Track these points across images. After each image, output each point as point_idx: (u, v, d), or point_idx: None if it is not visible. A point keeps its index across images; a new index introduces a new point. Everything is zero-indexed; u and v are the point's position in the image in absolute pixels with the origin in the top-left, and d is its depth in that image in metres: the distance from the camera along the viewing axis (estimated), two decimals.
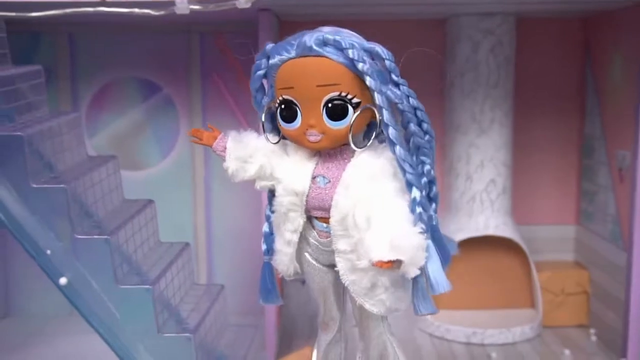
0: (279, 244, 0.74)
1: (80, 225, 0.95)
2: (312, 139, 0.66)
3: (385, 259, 0.62)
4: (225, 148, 0.73)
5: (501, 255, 1.40)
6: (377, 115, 0.66)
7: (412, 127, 0.68)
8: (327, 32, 0.66)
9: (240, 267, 1.43)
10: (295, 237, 0.71)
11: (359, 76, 0.65)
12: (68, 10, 1.04)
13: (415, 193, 0.66)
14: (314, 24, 1.46)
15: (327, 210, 0.68)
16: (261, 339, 1.18)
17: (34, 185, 0.93)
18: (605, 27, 1.33)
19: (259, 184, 0.74)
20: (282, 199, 0.70)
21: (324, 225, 0.69)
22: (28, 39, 1.38)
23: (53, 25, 1.35)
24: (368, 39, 1.48)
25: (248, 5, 1.04)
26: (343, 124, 0.65)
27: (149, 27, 1.37)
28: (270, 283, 0.79)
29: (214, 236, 1.44)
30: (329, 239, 0.70)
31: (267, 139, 0.72)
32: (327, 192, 0.68)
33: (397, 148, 0.66)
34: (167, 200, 1.35)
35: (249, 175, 0.73)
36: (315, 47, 0.64)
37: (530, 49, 1.40)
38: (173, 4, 1.03)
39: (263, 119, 0.72)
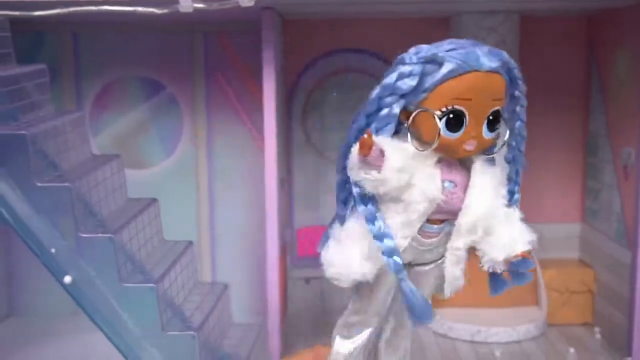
0: (374, 252, 0.70)
1: (84, 224, 0.95)
2: (469, 148, 0.69)
3: (527, 250, 0.73)
4: (380, 156, 0.67)
5: None
6: (512, 125, 0.74)
7: (519, 139, 0.77)
8: (499, 52, 0.70)
9: (243, 265, 1.43)
10: (406, 243, 0.71)
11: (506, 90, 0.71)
12: (71, 9, 1.04)
13: (519, 194, 0.77)
14: (316, 22, 1.47)
15: (454, 212, 0.71)
16: (265, 338, 1.18)
17: (39, 184, 0.93)
18: (610, 24, 1.32)
19: (395, 193, 0.69)
20: (418, 206, 0.69)
21: (435, 226, 0.72)
22: (32, 38, 1.38)
23: (57, 24, 1.35)
24: (371, 37, 1.48)
25: (251, 4, 1.04)
26: (494, 134, 0.71)
27: (152, 26, 1.37)
28: (423, 298, 0.73)
29: (217, 235, 1.44)
30: (433, 239, 0.73)
31: (415, 146, 0.69)
32: (456, 195, 0.71)
33: (518, 153, 0.77)
34: (170, 199, 1.35)
35: (400, 185, 0.68)
36: (500, 68, 0.69)
37: (534, 47, 1.40)
38: (177, 2, 1.03)
39: (383, 123, 0.69)
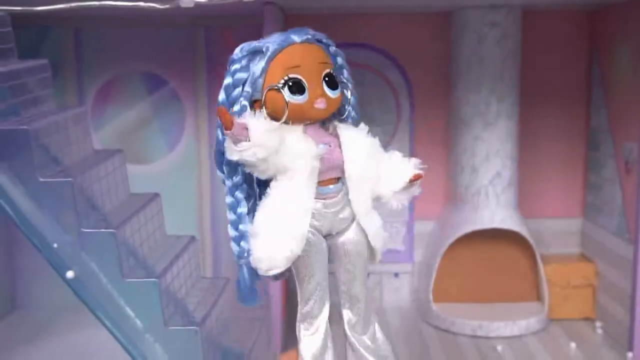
0: (285, 226, 0.76)
1: (87, 219, 0.95)
2: (320, 106, 0.77)
3: (418, 172, 0.79)
4: (244, 127, 0.74)
5: (507, 248, 1.40)
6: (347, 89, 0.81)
7: (353, 100, 0.83)
8: (304, 28, 0.80)
9: None
10: (311, 204, 0.77)
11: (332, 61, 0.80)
12: (73, 4, 1.04)
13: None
14: (319, 17, 1.47)
15: (338, 168, 0.78)
16: (267, 332, 1.18)
17: (41, 179, 0.93)
18: (612, 19, 1.32)
19: (273, 161, 0.75)
20: (304, 166, 0.76)
21: (330, 187, 0.79)
22: (34, 34, 1.38)
23: (59, 19, 1.35)
24: (373, 32, 1.48)
25: None
26: (336, 93, 0.78)
27: (154, 21, 1.37)
28: (251, 283, 0.83)
29: (219, 229, 1.44)
30: (335, 198, 0.79)
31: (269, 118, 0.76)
32: (334, 151, 0.78)
33: (354, 113, 0.82)
34: (172, 194, 1.35)
35: (274, 147, 0.75)
36: (309, 37, 0.78)
37: (537, 41, 1.40)
38: None
39: (244, 108, 0.77)
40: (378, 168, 0.80)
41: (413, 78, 1.42)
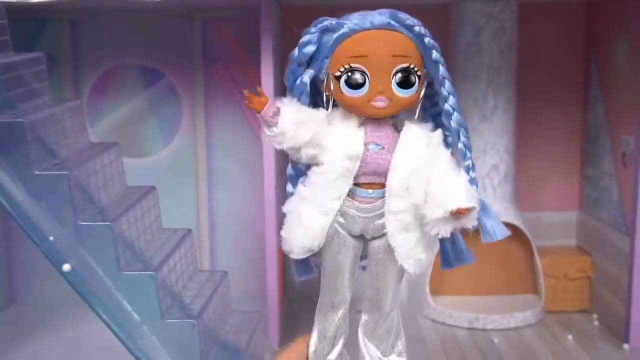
0: (308, 217, 0.73)
1: (83, 212, 0.95)
2: (379, 104, 0.71)
3: (464, 206, 0.68)
4: (277, 113, 0.71)
5: (504, 241, 1.38)
6: (440, 87, 0.73)
7: (452, 99, 0.74)
8: (394, 10, 0.73)
9: (243, 253, 1.44)
10: (337, 205, 0.73)
11: (421, 53, 0.72)
12: None
13: (470, 158, 0.73)
14: (315, 8, 1.46)
15: (382, 174, 0.72)
16: (265, 325, 1.18)
17: (37, 172, 0.92)
18: (610, 12, 1.32)
19: (305, 152, 0.72)
20: (334, 165, 0.72)
21: (370, 191, 0.73)
22: (30, 26, 1.38)
23: (55, 12, 1.34)
24: None
25: None
26: (409, 92, 0.71)
27: (150, 13, 1.36)
28: (303, 261, 0.78)
29: (216, 223, 1.44)
30: (372, 204, 0.73)
31: (325, 107, 0.72)
32: (383, 156, 0.72)
33: (456, 114, 0.73)
34: (170, 188, 1.35)
35: (302, 141, 0.71)
36: (392, 22, 0.71)
37: (534, 35, 1.40)
38: None
39: (298, 93, 0.73)
40: (429, 185, 0.71)
41: None
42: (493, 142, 1.33)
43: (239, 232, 1.44)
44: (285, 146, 0.72)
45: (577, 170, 1.47)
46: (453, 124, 0.73)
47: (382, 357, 0.79)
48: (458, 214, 0.68)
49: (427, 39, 0.72)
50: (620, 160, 1.26)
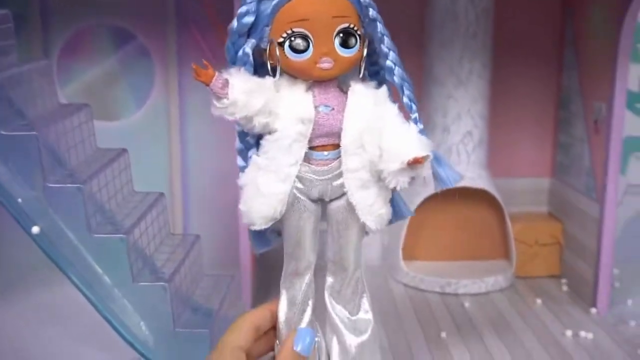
0: (266, 186, 0.74)
1: (53, 174, 0.94)
2: (324, 66, 0.71)
3: (419, 155, 0.71)
4: (225, 85, 0.71)
5: (476, 207, 1.41)
6: (380, 44, 0.74)
7: (392, 55, 0.75)
8: None
9: (216, 217, 1.43)
10: (294, 170, 0.73)
11: (358, 12, 0.73)
12: None
13: (416, 111, 0.75)
14: None
15: (335, 134, 0.73)
16: (237, 288, 1.18)
17: (3, 133, 0.91)
18: None
19: (258, 121, 0.72)
20: (288, 130, 0.72)
21: (325, 153, 0.74)
22: None
23: None
24: None
25: None
26: (352, 52, 0.72)
27: None
28: (258, 231, 0.78)
29: (189, 186, 1.43)
30: (329, 166, 0.74)
31: (271, 75, 0.73)
32: (334, 117, 0.73)
33: (397, 69, 0.75)
34: (142, 151, 1.34)
35: (254, 109, 0.72)
36: None
37: (510, 0, 1.39)
38: None
39: (242, 64, 0.73)
40: (382, 140, 0.72)
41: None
42: (468, 108, 1.33)
43: (212, 196, 1.43)
44: (237, 116, 0.72)
45: (550, 136, 1.48)
46: (396, 79, 0.75)
47: (350, 317, 0.80)
48: (415, 163, 0.71)
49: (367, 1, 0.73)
50: (592, 126, 1.27)
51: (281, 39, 0.71)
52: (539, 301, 1.29)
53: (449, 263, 1.42)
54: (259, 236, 0.80)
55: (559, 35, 1.43)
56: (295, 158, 0.73)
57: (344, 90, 0.75)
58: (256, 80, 0.72)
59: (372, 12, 0.74)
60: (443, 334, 1.16)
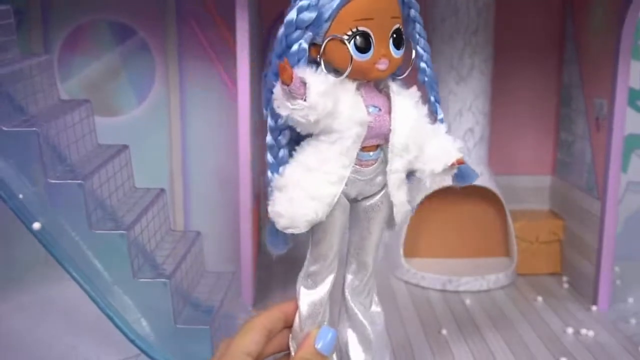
0: (317, 189, 0.72)
1: (53, 170, 0.94)
2: (382, 67, 0.71)
3: (459, 158, 0.75)
4: (302, 85, 0.69)
5: (477, 204, 1.41)
6: (417, 45, 0.75)
7: (426, 56, 0.77)
8: None
9: (217, 214, 1.43)
10: (347, 172, 0.73)
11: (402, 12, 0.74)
12: None
13: (441, 112, 0.79)
14: None
15: (382, 135, 0.74)
16: (238, 285, 1.18)
17: (4, 128, 0.91)
18: None
19: (324, 122, 0.71)
20: (349, 132, 0.72)
21: (371, 153, 0.75)
22: None
23: None
24: None
25: None
26: (401, 53, 0.73)
27: None
28: (277, 231, 0.77)
29: (190, 183, 1.43)
30: (372, 166, 0.75)
31: (333, 75, 0.71)
32: (383, 118, 0.74)
33: (430, 70, 0.77)
34: (143, 147, 1.33)
35: (326, 111, 0.70)
36: None
37: None
38: None
39: (295, 59, 0.70)
40: (422, 143, 0.75)
41: None
42: (469, 104, 1.32)
43: (213, 192, 1.43)
44: (312, 119, 0.69)
45: (552, 133, 1.47)
46: (427, 80, 0.77)
47: (365, 311, 0.83)
48: (458, 164, 0.75)
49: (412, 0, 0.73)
50: (593, 123, 1.27)
51: (346, 37, 0.69)
52: (539, 299, 1.29)
53: (450, 260, 1.42)
54: (277, 238, 0.79)
55: (560, 31, 1.43)
56: (349, 160, 0.73)
57: (380, 90, 0.75)
58: (325, 79, 0.70)
59: (413, 12, 0.74)
60: (444, 331, 1.16)
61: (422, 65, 0.76)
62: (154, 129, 1.41)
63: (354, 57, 0.70)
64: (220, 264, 1.27)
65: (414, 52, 0.75)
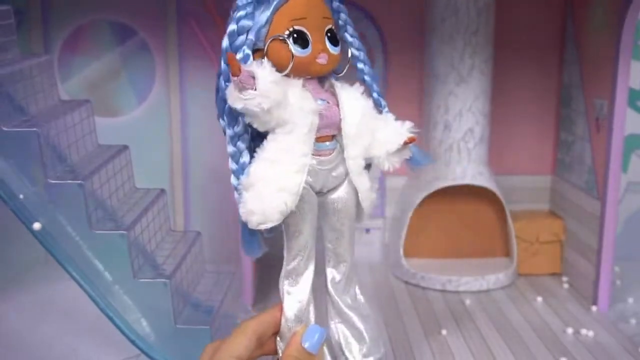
0: (283, 179, 0.75)
1: (54, 170, 0.94)
2: (321, 61, 0.77)
3: (411, 136, 0.80)
4: (251, 75, 0.72)
5: (477, 205, 1.41)
6: (350, 48, 0.82)
7: (362, 55, 0.83)
8: None
9: (217, 214, 1.43)
10: (308, 160, 0.77)
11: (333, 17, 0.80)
12: None
13: (385, 105, 0.84)
14: None
15: (334, 125, 0.78)
16: (238, 285, 1.18)
17: (5, 129, 0.91)
18: None
19: (277, 112, 0.74)
20: (303, 120, 0.75)
21: (327, 143, 0.79)
22: None
23: None
24: None
25: None
26: (338, 50, 0.79)
27: None
28: (251, 235, 0.81)
29: (190, 183, 1.43)
30: (331, 154, 0.79)
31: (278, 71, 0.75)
32: (333, 109, 0.78)
33: (367, 67, 0.83)
34: (143, 147, 1.33)
35: (278, 100, 0.74)
36: None
37: None
38: None
39: (247, 57, 0.76)
40: (373, 129, 0.80)
41: (387, 33, 1.40)
42: (469, 105, 1.32)
43: (213, 192, 1.43)
44: (265, 106, 0.73)
45: (552, 134, 1.47)
46: (367, 78, 0.83)
47: (352, 303, 0.85)
48: (410, 142, 0.80)
49: (335, 3, 0.80)
50: (593, 123, 1.27)
51: (285, 35, 0.75)
52: (539, 299, 1.29)
53: (450, 260, 1.42)
54: (252, 239, 0.82)
55: (560, 31, 1.43)
56: (308, 148, 0.76)
57: (325, 87, 0.80)
58: (272, 71, 0.74)
59: (343, 17, 0.80)
60: (444, 332, 1.16)
61: (360, 65, 0.82)
62: (154, 129, 1.41)
63: (295, 53, 0.75)
64: (220, 264, 1.27)
65: (349, 53, 0.81)
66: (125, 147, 1.10)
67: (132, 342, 0.96)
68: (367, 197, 0.81)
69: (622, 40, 1.15)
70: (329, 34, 0.77)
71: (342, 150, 0.79)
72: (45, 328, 1.15)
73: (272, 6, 0.75)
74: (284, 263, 0.81)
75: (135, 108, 1.41)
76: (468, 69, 1.31)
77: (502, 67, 1.40)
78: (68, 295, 1.14)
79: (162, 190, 1.12)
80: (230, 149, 0.79)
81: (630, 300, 1.29)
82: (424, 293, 1.32)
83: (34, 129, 0.91)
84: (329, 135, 0.79)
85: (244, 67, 0.72)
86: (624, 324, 1.20)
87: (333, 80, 0.81)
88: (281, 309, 0.81)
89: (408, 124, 0.81)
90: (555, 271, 1.41)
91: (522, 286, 1.36)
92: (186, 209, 1.44)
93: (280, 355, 0.78)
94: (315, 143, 0.77)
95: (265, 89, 0.72)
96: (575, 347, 1.11)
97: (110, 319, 0.95)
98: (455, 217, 1.42)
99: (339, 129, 0.79)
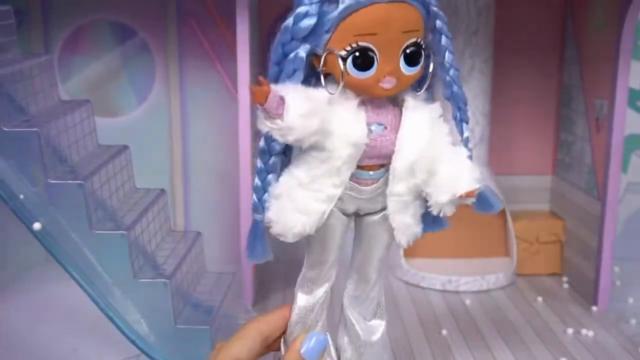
0: (305, 204, 0.69)
1: (54, 170, 0.94)
2: (386, 86, 0.66)
3: (472, 189, 0.68)
4: (280, 104, 0.63)
5: None
6: (440, 59, 0.69)
7: (453, 71, 0.71)
8: None
9: (217, 214, 1.43)
10: (338, 192, 0.69)
11: (425, 23, 0.67)
12: None
13: (467, 131, 0.72)
14: None
15: (386, 155, 0.69)
16: (238, 286, 1.18)
17: (5, 129, 0.91)
18: None
19: (309, 140, 0.66)
20: (339, 152, 0.67)
21: (371, 173, 0.70)
22: None
23: None
24: None
25: None
26: (416, 69, 0.66)
27: None
28: (261, 241, 0.74)
29: (191, 183, 1.43)
30: (373, 185, 0.70)
31: (323, 84, 0.66)
32: (386, 138, 0.68)
33: (456, 87, 0.70)
34: (143, 147, 1.33)
35: (310, 132, 0.65)
36: None
37: None
38: None
39: (290, 69, 0.66)
40: (433, 166, 0.69)
41: None
42: (469, 105, 1.32)
43: (213, 193, 1.43)
44: (290, 139, 0.65)
45: (552, 134, 1.47)
46: (453, 96, 0.71)
47: (364, 321, 0.80)
48: (467, 196, 0.68)
49: (433, 8, 0.67)
50: (593, 123, 1.27)
51: (344, 52, 0.64)
52: (539, 299, 1.29)
53: (450, 260, 1.42)
54: (258, 245, 0.75)
55: (560, 31, 1.43)
56: (341, 179, 0.68)
57: (395, 103, 0.69)
58: (312, 96, 0.65)
59: (439, 24, 0.68)
60: (444, 332, 1.16)
61: (449, 79, 0.70)
62: (154, 129, 1.41)
63: (352, 74, 0.65)
64: (221, 264, 1.27)
65: (431, 65, 0.68)
66: (126, 147, 1.10)
67: (132, 342, 0.96)
68: (406, 233, 0.72)
69: (622, 40, 1.15)
70: (407, 51, 0.65)
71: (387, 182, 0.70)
72: (45, 328, 1.15)
73: (339, 12, 0.63)
74: (304, 269, 0.77)
75: (135, 108, 1.41)
76: (468, 69, 1.31)
77: (502, 67, 1.40)
78: (68, 295, 1.14)
79: (162, 191, 1.12)
80: (262, 144, 0.71)
81: (630, 300, 1.29)
82: (424, 293, 1.32)
83: (34, 129, 0.91)
84: (376, 164, 0.69)
85: (274, 91, 0.62)
86: (624, 324, 1.20)
87: (407, 96, 0.69)
88: (290, 310, 0.78)
89: (476, 172, 0.69)
90: (555, 271, 1.41)
91: (522, 286, 1.36)
92: (186, 209, 1.44)
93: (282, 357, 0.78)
94: (357, 171, 0.69)
95: (293, 123, 0.63)
96: (575, 347, 1.11)
97: (110, 319, 0.95)
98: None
99: (390, 160, 0.69)
